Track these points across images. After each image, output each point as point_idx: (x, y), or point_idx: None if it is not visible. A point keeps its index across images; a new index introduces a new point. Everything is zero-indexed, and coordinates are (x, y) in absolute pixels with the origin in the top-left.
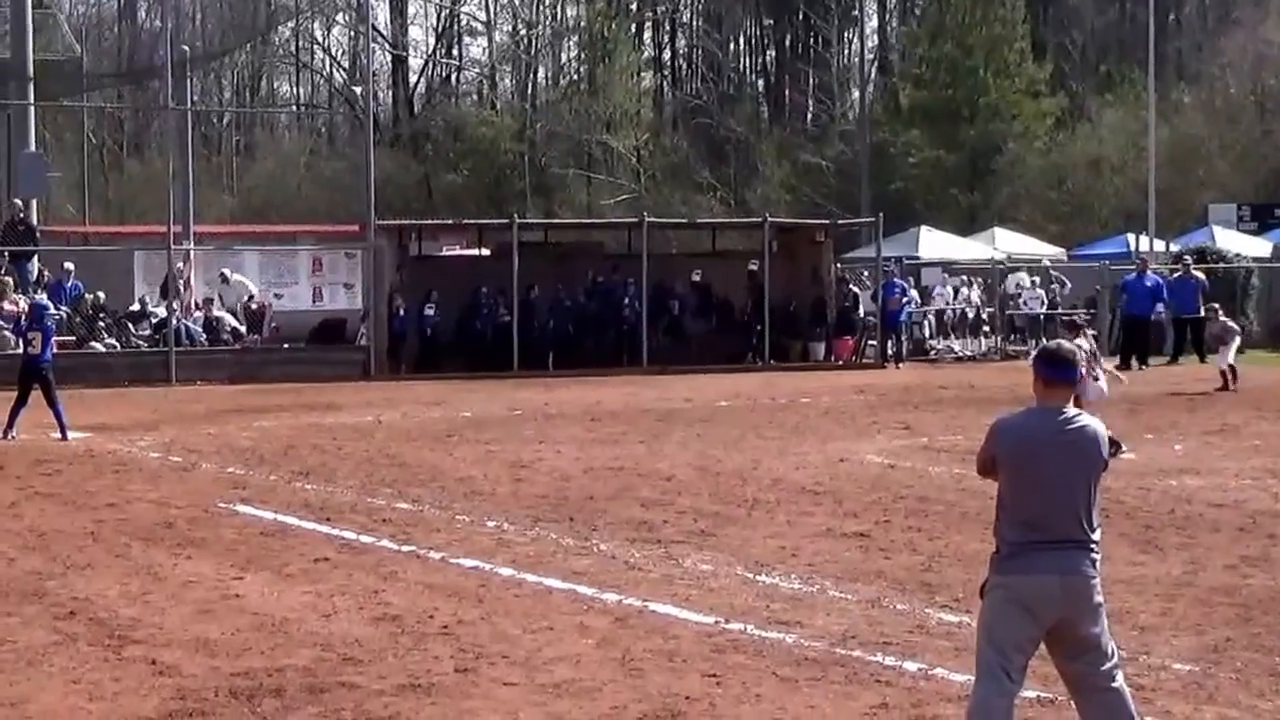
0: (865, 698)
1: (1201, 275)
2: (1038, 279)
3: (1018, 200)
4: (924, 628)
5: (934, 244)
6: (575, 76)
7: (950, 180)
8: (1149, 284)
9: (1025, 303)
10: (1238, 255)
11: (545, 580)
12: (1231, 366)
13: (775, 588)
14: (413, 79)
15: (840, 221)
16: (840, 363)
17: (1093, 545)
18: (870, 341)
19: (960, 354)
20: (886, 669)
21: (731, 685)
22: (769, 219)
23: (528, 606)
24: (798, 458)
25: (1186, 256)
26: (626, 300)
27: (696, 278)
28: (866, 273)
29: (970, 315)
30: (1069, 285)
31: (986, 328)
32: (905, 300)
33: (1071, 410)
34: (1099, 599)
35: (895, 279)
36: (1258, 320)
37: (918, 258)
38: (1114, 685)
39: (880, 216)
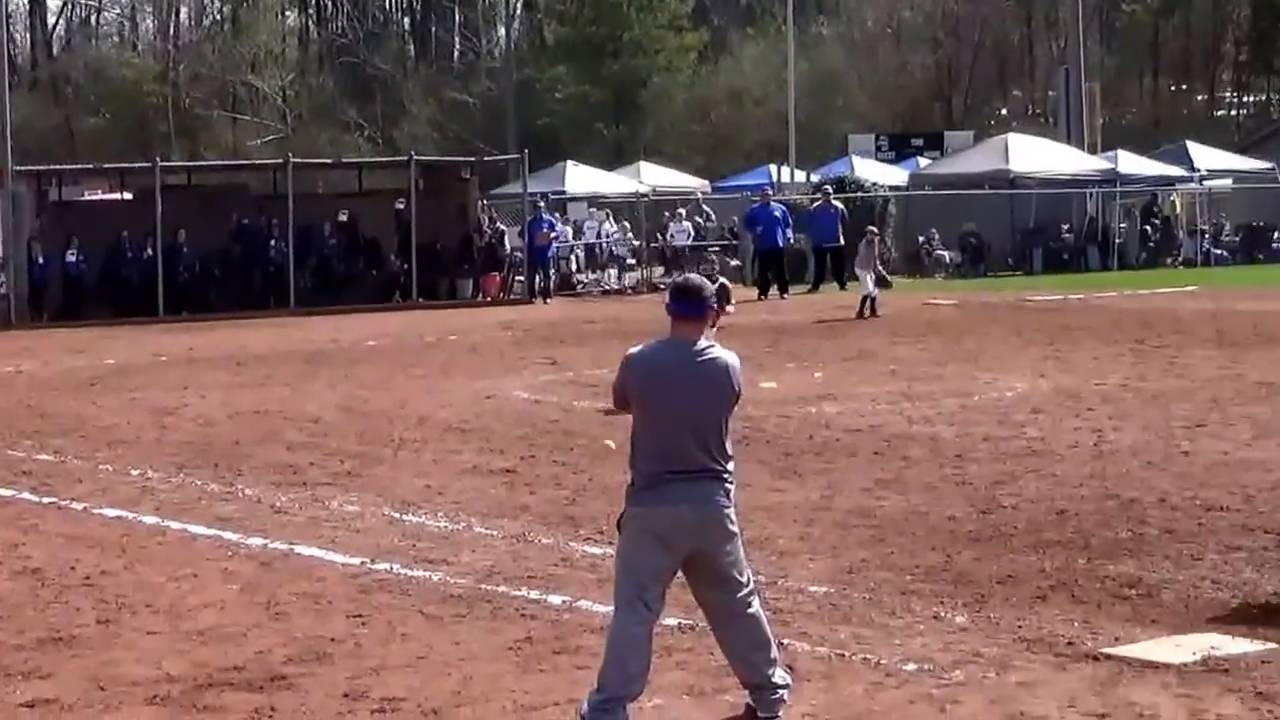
0: (510, 632)
1: (841, 205)
2: (684, 211)
3: (663, 133)
4: (568, 561)
5: (581, 178)
6: (218, 16)
7: (596, 115)
8: (776, 213)
9: (673, 235)
10: (875, 185)
11: (189, 527)
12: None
13: (421, 526)
14: (51, 20)
15: (486, 158)
16: (488, 299)
17: (726, 475)
18: (518, 277)
19: (607, 288)
20: (531, 603)
21: (377, 625)
22: (415, 157)
23: (172, 554)
24: (445, 395)
25: (827, 186)
26: (273, 242)
27: (343, 218)
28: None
29: (616, 250)
30: (713, 218)
31: (633, 260)
32: (554, 235)
33: (704, 342)
34: (733, 528)
35: (543, 214)
36: (894, 247)
37: (564, 192)
38: (750, 612)
39: (526, 152)
